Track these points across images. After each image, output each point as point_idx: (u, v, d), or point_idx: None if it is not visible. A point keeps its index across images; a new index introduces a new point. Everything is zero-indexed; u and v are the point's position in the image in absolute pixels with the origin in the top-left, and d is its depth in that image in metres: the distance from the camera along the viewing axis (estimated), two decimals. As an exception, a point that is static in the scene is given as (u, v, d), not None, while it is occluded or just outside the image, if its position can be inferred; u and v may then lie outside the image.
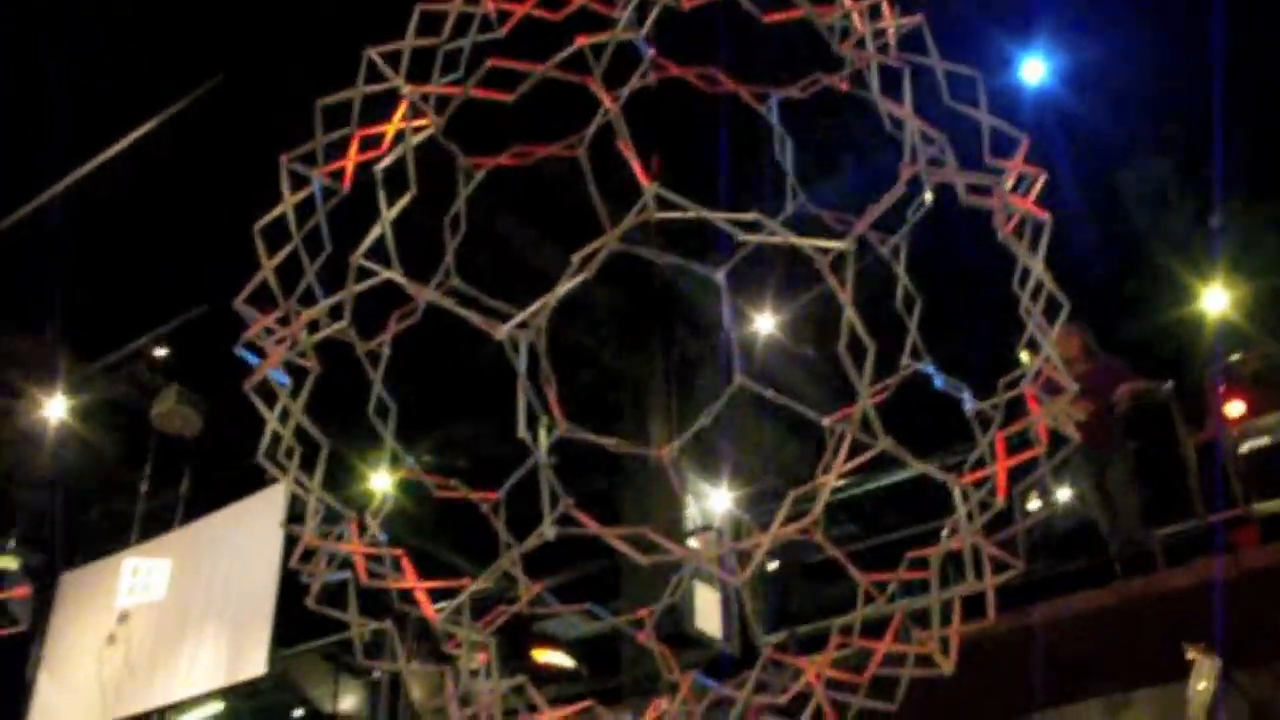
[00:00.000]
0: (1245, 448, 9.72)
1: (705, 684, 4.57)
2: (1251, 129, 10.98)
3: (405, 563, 4.46)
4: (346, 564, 4.39)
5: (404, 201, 4.10)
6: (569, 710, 4.55)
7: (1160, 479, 9.31)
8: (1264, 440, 9.86)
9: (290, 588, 12.37)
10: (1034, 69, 10.63)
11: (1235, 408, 9.89)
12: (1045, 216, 4.04)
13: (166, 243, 12.13)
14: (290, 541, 12.10)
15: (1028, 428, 4.06)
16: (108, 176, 11.41)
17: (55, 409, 14.20)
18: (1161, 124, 11.55)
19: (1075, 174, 11.46)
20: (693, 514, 11.25)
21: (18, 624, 14.00)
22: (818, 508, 4.18)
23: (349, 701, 14.12)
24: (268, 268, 4.05)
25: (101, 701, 13.76)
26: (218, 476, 14.60)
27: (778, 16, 4.23)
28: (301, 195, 4.09)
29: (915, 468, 4.16)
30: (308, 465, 4.25)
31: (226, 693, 13.28)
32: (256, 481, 13.29)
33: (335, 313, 4.21)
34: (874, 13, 4.15)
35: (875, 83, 4.14)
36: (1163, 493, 9.25)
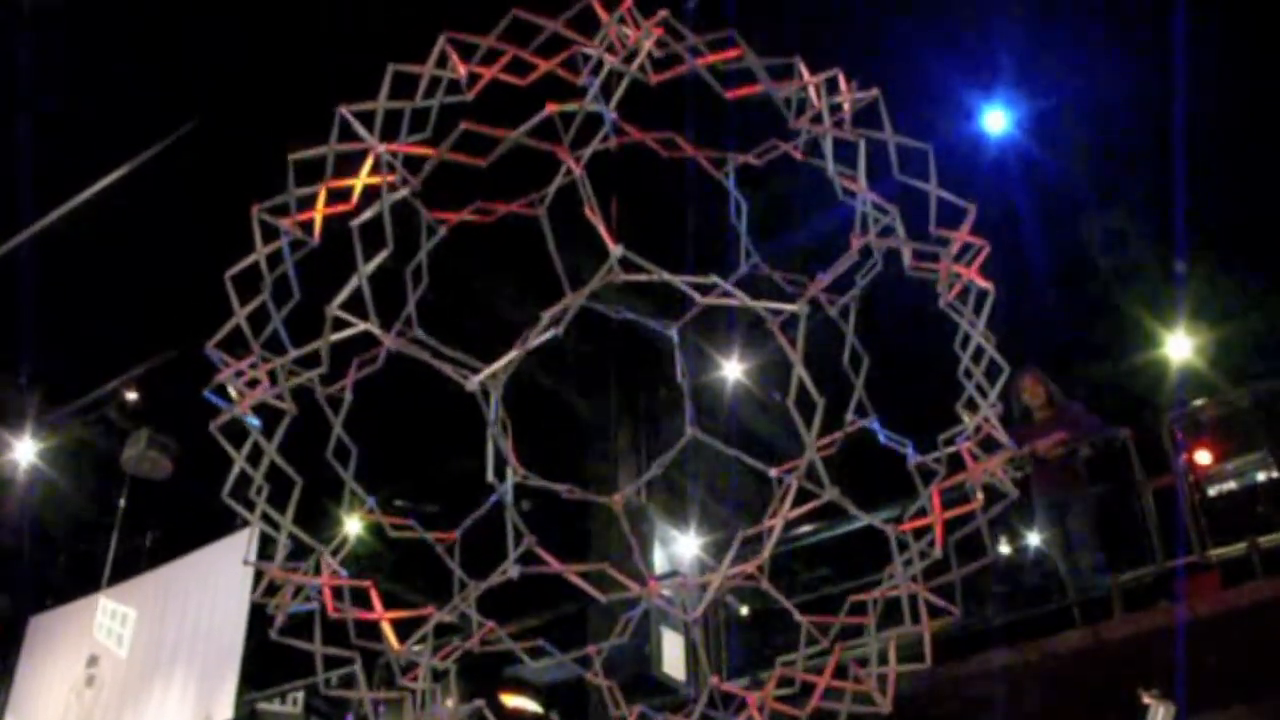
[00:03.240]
0: (1214, 491, 9.83)
1: (653, 718, 4.65)
2: (1213, 175, 11.12)
3: (373, 594, 4.53)
4: (309, 599, 4.43)
5: (381, 258, 4.16)
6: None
7: (1119, 525, 9.40)
8: (1231, 484, 9.97)
9: (260, 632, 12.35)
10: (996, 119, 10.77)
11: (1202, 455, 10.00)
12: (988, 286, 4.23)
13: (137, 287, 12.15)
14: (258, 584, 12.14)
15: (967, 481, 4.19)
16: (79, 220, 11.45)
17: (25, 452, 14.18)
18: (1124, 171, 11.68)
19: (1038, 221, 11.58)
20: (660, 559, 11.28)
21: None
22: (765, 552, 4.34)
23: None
24: (240, 315, 4.13)
25: (70, 746, 13.71)
26: (188, 520, 14.59)
27: (740, 92, 4.37)
28: (273, 247, 4.17)
29: (859, 517, 4.36)
30: (275, 504, 4.31)
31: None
32: (227, 525, 13.30)
33: (308, 360, 4.29)
34: (831, 86, 4.29)
35: (830, 158, 4.30)
36: (1121, 538, 9.33)
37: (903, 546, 4.29)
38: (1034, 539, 10.53)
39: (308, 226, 4.25)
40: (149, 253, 11.82)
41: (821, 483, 4.18)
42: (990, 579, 10.14)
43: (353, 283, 4.09)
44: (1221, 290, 12.48)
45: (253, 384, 4.24)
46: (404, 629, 4.64)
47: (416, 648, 4.59)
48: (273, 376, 4.27)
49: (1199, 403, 10.19)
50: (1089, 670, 8.35)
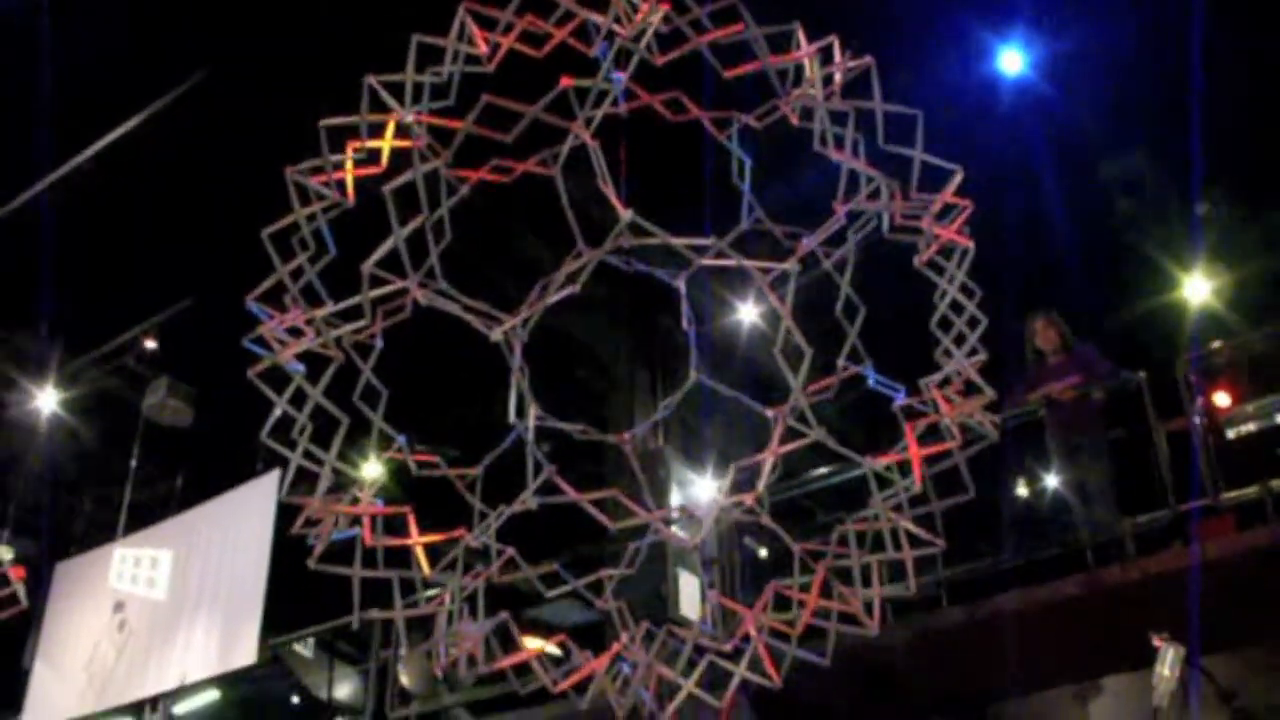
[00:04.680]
0: (1233, 433, 9.82)
1: (654, 630, 4.90)
2: (1232, 117, 11.04)
3: (410, 519, 4.80)
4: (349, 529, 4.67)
5: (416, 224, 4.42)
6: (546, 643, 4.97)
7: (1133, 468, 9.41)
8: (1251, 426, 9.96)
9: (284, 576, 12.50)
10: (1012, 60, 10.70)
11: (1221, 398, 9.98)
12: (968, 243, 4.49)
13: (156, 235, 12.21)
14: (284, 524, 12.32)
15: (956, 420, 4.50)
16: (98, 169, 11.49)
17: (47, 401, 14.31)
18: (1142, 113, 11.60)
19: (1055, 164, 11.54)
20: (677, 502, 11.34)
21: (18, 603, 14.16)
22: (759, 485, 4.69)
23: (344, 689, 14.23)
24: (283, 271, 4.38)
25: (97, 689, 13.90)
26: (208, 467, 14.72)
27: (738, 70, 4.58)
28: (313, 209, 4.39)
29: (841, 453, 4.67)
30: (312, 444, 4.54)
31: (222, 681, 13.41)
32: (246, 471, 13.41)
33: (345, 312, 4.56)
34: (826, 56, 4.48)
35: (818, 130, 4.55)
36: (1136, 482, 9.36)
37: (889, 483, 4.62)
38: (1051, 481, 10.56)
39: (339, 188, 4.47)
40: (166, 202, 11.87)
41: (821, 426, 4.56)
42: (1005, 521, 10.20)
43: (389, 243, 4.34)
44: (1239, 232, 12.42)
45: (294, 333, 4.50)
46: (431, 560, 4.87)
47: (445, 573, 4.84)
48: (314, 327, 4.53)
49: (1216, 345, 10.15)
50: (1100, 613, 8.39)
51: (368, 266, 4.37)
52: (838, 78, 4.49)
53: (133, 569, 14.31)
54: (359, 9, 9.75)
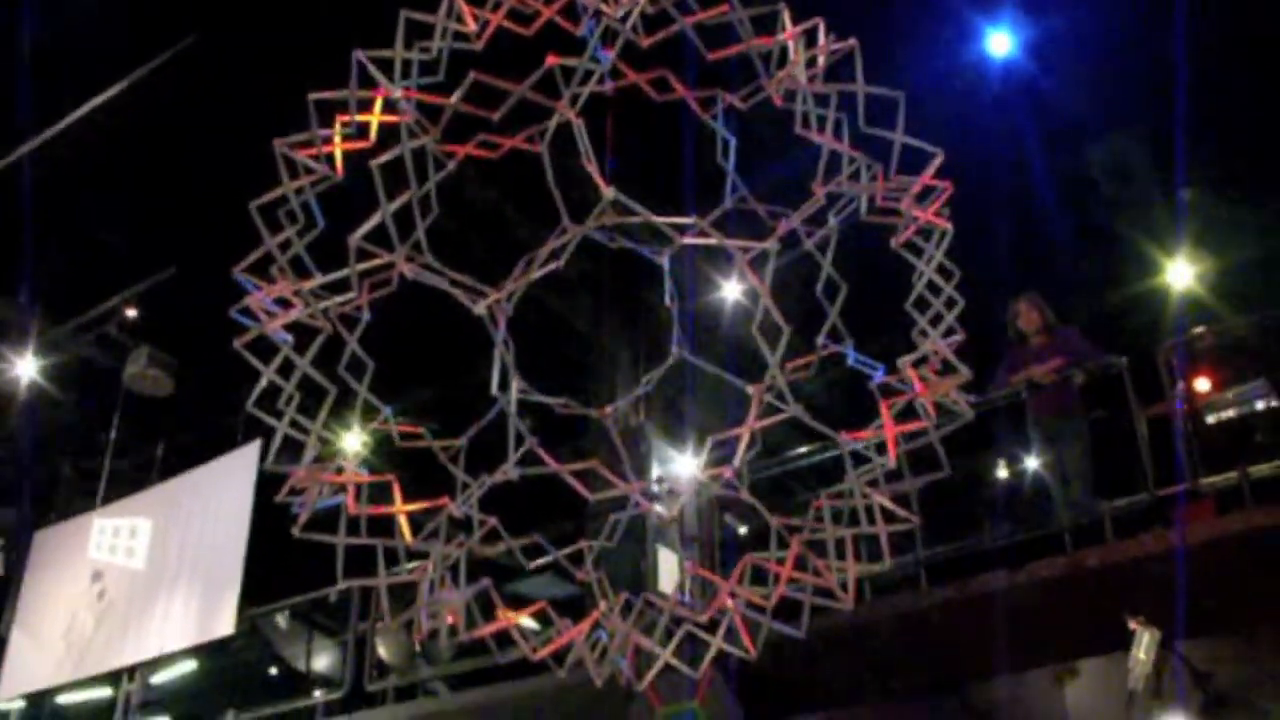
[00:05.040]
0: (1212, 419, 9.85)
1: (633, 601, 4.94)
2: (1216, 101, 11.05)
3: (395, 488, 4.80)
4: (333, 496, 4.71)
5: (405, 199, 4.46)
6: (527, 610, 4.89)
7: (1113, 452, 9.45)
8: (1230, 412, 9.99)
9: (262, 547, 12.49)
10: (1000, 42, 10.69)
11: (1201, 383, 10.01)
12: (946, 225, 4.52)
13: (137, 204, 12.15)
14: (264, 494, 12.31)
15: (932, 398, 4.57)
16: (78, 137, 11.41)
17: (26, 369, 14.24)
18: (1128, 97, 11.60)
19: (1040, 147, 11.54)
20: (658, 477, 11.38)
21: None
22: (738, 458, 4.75)
23: (322, 661, 14.24)
24: (271, 243, 4.37)
25: (75, 658, 13.89)
26: (187, 437, 14.69)
27: (722, 53, 4.58)
28: (302, 182, 4.38)
29: (815, 428, 4.70)
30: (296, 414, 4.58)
31: (199, 651, 13.42)
32: (227, 442, 13.38)
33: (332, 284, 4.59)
34: (809, 38, 4.48)
35: (800, 111, 4.59)
36: (1116, 465, 9.39)
37: (865, 459, 4.69)
38: (1032, 464, 10.58)
39: (328, 161, 4.45)
40: (148, 170, 11.81)
41: (804, 404, 4.63)
42: (987, 503, 10.23)
43: (376, 217, 4.36)
44: (1223, 218, 12.44)
45: (282, 304, 4.51)
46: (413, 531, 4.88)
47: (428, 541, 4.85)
48: (302, 299, 4.55)
49: (1198, 330, 10.18)
50: (1078, 595, 8.43)
51: (354, 239, 4.38)
52: (820, 60, 4.50)
53: (111, 538, 14.29)
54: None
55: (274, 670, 15.05)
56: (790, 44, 4.48)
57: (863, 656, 9.27)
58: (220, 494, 13.14)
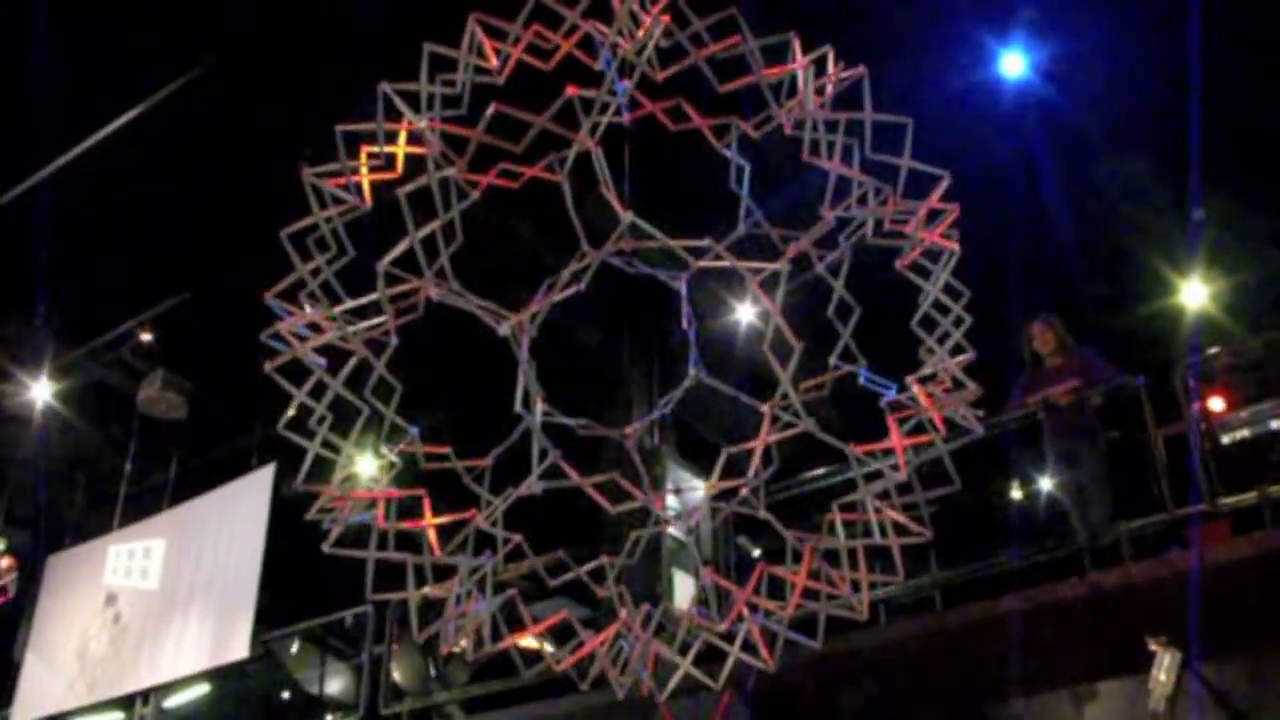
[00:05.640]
0: (1227, 439, 9.82)
1: (652, 611, 5.08)
2: (1231, 121, 11.05)
3: (425, 503, 5.00)
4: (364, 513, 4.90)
5: (433, 226, 4.61)
6: (550, 620, 5.11)
7: (1130, 472, 9.42)
8: (1245, 432, 9.96)
9: (276, 571, 12.48)
10: (1014, 63, 10.69)
11: (1215, 403, 9.99)
12: (953, 246, 4.69)
13: (153, 227, 12.18)
14: (278, 518, 12.33)
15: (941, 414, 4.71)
16: (95, 161, 11.45)
17: (42, 393, 14.28)
18: (1141, 117, 11.60)
19: (1055, 167, 11.54)
20: (673, 502, 11.35)
21: (6, 593, 14.13)
22: (751, 471, 4.95)
23: (335, 684, 14.21)
24: (303, 270, 4.58)
25: (88, 682, 13.88)
26: (202, 460, 14.70)
27: (732, 85, 4.74)
28: (332, 212, 4.58)
29: (828, 442, 4.81)
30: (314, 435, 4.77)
31: (213, 675, 13.40)
32: (240, 465, 13.39)
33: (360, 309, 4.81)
34: (819, 67, 4.65)
35: (808, 139, 4.76)
36: (1132, 486, 9.36)
37: (878, 475, 4.84)
38: (1046, 485, 10.56)
39: (355, 191, 4.67)
40: (162, 194, 11.84)
41: (820, 421, 4.81)
42: (1002, 526, 10.20)
43: (403, 244, 4.53)
44: (1237, 237, 12.43)
45: (312, 329, 4.73)
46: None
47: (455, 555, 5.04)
48: (334, 324, 4.76)
49: (1213, 350, 10.15)
50: (1096, 617, 8.39)
51: (383, 265, 4.54)
52: (829, 89, 4.65)
53: (126, 562, 14.29)
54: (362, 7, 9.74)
55: (287, 694, 15.02)
56: (800, 74, 4.62)
57: (880, 680, 9.22)
58: (235, 517, 13.14)
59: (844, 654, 9.01)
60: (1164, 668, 7.49)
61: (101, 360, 14.28)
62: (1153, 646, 7.61)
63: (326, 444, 4.68)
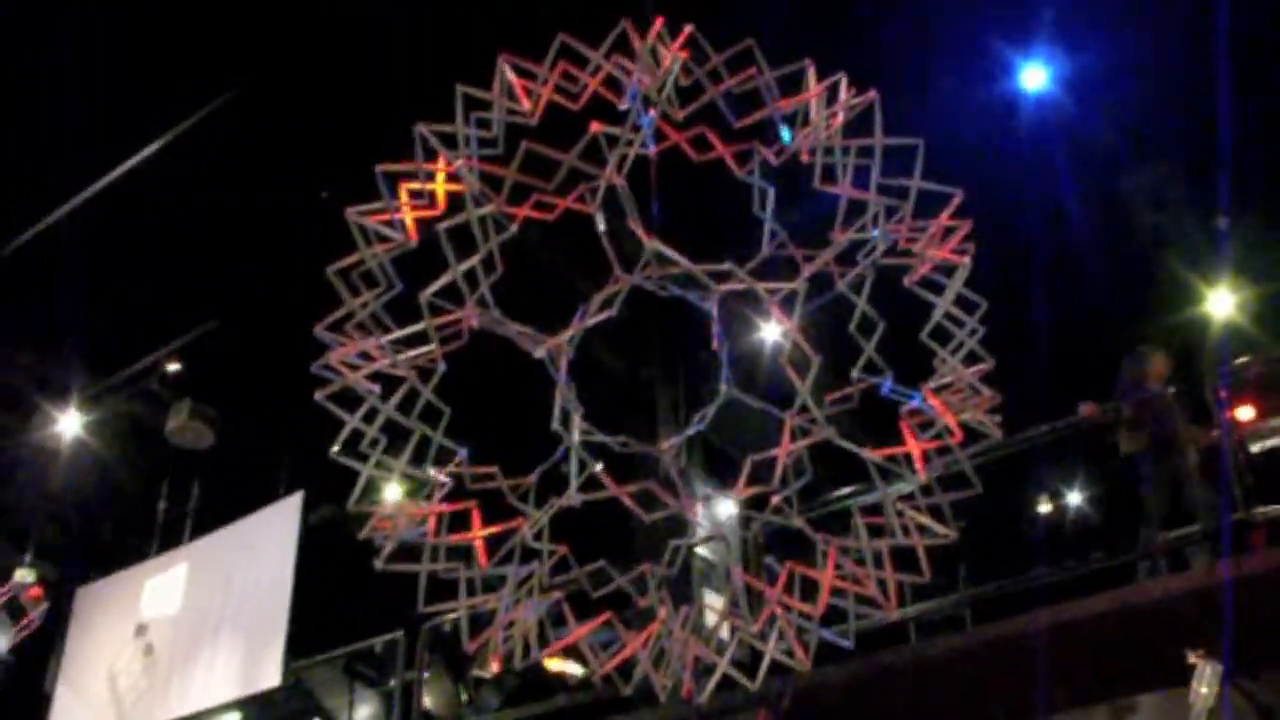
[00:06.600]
0: (1256, 448, 9.76)
1: (689, 608, 5.17)
2: (1257, 131, 11.00)
3: (475, 515, 5.18)
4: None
5: (473, 261, 4.86)
6: (593, 623, 5.19)
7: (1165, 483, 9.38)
8: (1274, 441, 9.90)
9: (304, 598, 12.47)
10: (1035, 75, 10.68)
11: (1245, 412, 9.93)
12: (963, 261, 4.83)
13: (179, 258, 12.24)
14: (305, 553, 12.34)
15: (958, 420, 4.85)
16: (121, 192, 11.51)
17: (69, 424, 14.33)
18: (1165, 127, 11.57)
19: (1078, 178, 11.51)
20: (703, 518, 11.33)
21: (33, 625, 14.15)
22: (775, 476, 5.00)
23: (364, 712, 14.17)
24: (353, 304, 4.82)
25: (119, 713, 13.88)
26: (229, 489, 14.72)
27: (749, 119, 4.92)
28: (380, 249, 4.82)
29: (846, 447, 4.98)
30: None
31: (243, 704, 13.38)
32: (268, 493, 13.40)
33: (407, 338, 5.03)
34: (832, 94, 4.81)
35: (819, 166, 4.92)
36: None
37: (899, 477, 4.97)
38: (1074, 499, 10.52)
39: (397, 227, 4.89)
40: (190, 224, 11.90)
41: (840, 431, 4.95)
42: (1030, 538, 10.15)
43: (446, 276, 4.77)
44: (1265, 246, 12.36)
45: (365, 357, 4.94)
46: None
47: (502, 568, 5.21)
48: (384, 353, 4.98)
49: (1242, 360, 10.10)
50: (1133, 629, 8.31)
51: (426, 296, 4.78)
52: (841, 115, 4.80)
53: (155, 593, 14.31)
54: (388, 37, 9.80)
55: (315, 722, 14.99)
56: (813, 103, 4.78)
57: (911, 698, 9.17)
58: (263, 546, 13.14)
59: (878, 673, 8.96)
60: (1204, 680, 7.41)
61: (129, 391, 14.33)
62: (1192, 659, 7.54)
63: (379, 465, 4.93)
